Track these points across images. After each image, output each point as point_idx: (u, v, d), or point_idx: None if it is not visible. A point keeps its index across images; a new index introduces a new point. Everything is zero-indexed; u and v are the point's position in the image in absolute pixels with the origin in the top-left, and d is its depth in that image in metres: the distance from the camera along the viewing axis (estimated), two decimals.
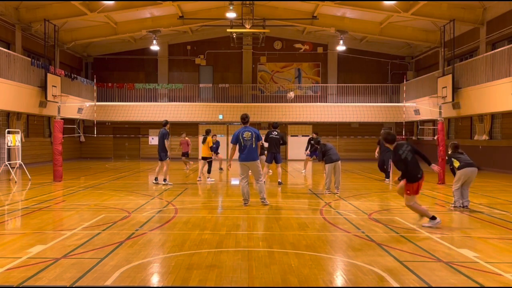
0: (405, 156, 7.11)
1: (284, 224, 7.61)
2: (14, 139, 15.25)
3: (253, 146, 9.35)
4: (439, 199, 10.63)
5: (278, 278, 4.71)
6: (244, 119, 9.52)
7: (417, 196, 7.35)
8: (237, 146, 9.49)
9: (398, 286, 4.50)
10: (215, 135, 17.81)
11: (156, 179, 13.85)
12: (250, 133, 9.37)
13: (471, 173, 8.93)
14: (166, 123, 13.52)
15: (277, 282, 4.58)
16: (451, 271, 4.95)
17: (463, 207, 9.11)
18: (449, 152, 9.31)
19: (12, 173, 15.04)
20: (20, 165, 15.49)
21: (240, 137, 9.36)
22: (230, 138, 31.98)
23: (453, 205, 9.26)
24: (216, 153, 16.92)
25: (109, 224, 7.41)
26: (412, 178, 7.09)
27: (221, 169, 19.24)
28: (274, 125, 13.73)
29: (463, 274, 4.85)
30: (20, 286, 4.43)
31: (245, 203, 9.55)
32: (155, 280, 4.80)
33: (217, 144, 17.25)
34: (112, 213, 8.59)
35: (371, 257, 5.47)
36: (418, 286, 4.48)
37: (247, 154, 9.32)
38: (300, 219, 8.15)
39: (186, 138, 19.01)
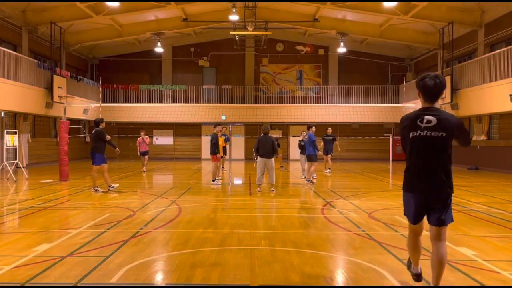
0: None
1: (286, 223, 7.69)
2: (12, 139, 15.74)
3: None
4: None
5: (280, 276, 4.77)
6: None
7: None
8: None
9: (398, 284, 4.56)
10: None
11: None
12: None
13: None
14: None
15: (279, 280, 4.63)
16: (450, 269, 4.98)
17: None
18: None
19: (11, 172, 15.08)
20: (17, 164, 15.80)
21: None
22: (233, 138, 31.78)
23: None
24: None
25: (114, 223, 7.50)
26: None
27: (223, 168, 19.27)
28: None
29: (461, 272, 4.92)
30: (26, 284, 4.47)
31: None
32: (159, 278, 4.86)
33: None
34: (117, 212, 8.70)
35: (372, 256, 5.53)
36: (417, 284, 4.53)
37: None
38: (301, 218, 8.25)
39: (144, 136, 18.15)
